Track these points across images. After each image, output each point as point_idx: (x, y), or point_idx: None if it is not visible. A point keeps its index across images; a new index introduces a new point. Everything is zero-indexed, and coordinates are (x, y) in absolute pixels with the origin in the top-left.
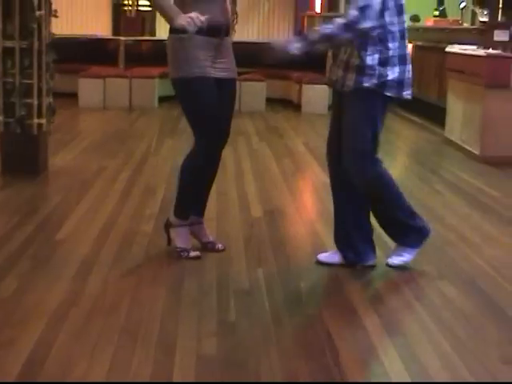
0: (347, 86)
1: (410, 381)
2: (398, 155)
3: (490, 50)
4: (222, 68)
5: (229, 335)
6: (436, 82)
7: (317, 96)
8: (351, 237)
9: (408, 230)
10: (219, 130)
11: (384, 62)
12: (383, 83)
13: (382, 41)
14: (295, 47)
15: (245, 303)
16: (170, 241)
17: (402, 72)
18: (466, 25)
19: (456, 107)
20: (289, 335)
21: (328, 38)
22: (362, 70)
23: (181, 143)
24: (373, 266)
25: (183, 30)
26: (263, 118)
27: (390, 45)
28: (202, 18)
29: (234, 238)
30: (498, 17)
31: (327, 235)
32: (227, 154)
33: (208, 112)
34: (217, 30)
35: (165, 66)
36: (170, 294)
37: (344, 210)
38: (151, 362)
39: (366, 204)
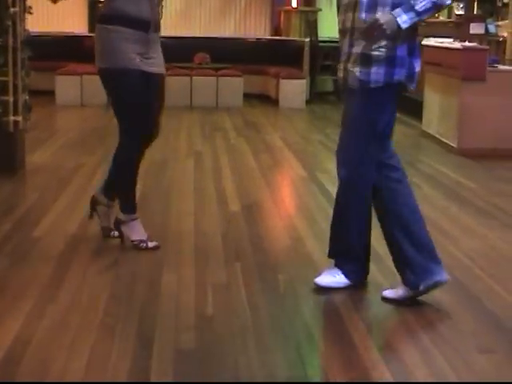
0: (375, 81)
1: (387, 372)
2: None
3: (466, 43)
4: (152, 63)
5: (207, 329)
6: None
7: (294, 91)
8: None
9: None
10: (144, 123)
11: (412, 53)
12: (412, 76)
13: (414, 28)
14: (403, 20)
15: (223, 297)
16: (123, 238)
17: (420, 64)
18: (442, 18)
19: (433, 100)
20: (267, 329)
21: (436, 6)
22: (393, 61)
23: (158, 139)
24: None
25: (109, 21)
26: (241, 113)
27: (417, 33)
28: None
29: (212, 233)
30: (473, 10)
31: (305, 229)
32: (205, 149)
33: (131, 102)
34: (143, 25)
35: None
36: (147, 289)
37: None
38: (129, 356)
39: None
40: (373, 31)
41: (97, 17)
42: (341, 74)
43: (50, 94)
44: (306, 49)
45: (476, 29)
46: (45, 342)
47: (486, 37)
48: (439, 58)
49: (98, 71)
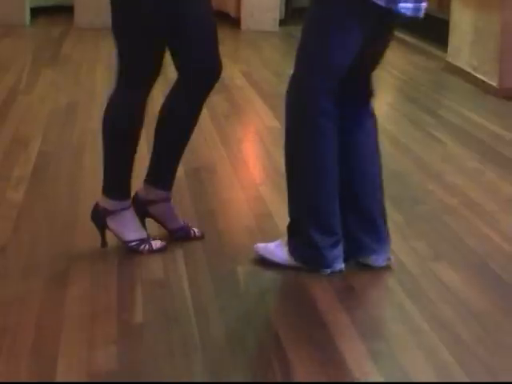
0: None
1: None
2: (382, 90)
3: None
4: None
5: (134, 342)
6: None
7: (263, 6)
8: None
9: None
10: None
11: None
12: None
13: None
14: None
15: (157, 298)
16: (105, 240)
17: None
18: None
19: (463, 19)
20: (220, 341)
21: None
22: None
23: (64, 76)
24: None
25: None
26: None
27: None
28: None
29: None
30: None
31: (276, 202)
32: None
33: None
34: None
35: None
36: (49, 288)
37: None
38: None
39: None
40: None
41: None
42: None
43: None
44: None
45: None
46: None
47: None
48: None
49: None
